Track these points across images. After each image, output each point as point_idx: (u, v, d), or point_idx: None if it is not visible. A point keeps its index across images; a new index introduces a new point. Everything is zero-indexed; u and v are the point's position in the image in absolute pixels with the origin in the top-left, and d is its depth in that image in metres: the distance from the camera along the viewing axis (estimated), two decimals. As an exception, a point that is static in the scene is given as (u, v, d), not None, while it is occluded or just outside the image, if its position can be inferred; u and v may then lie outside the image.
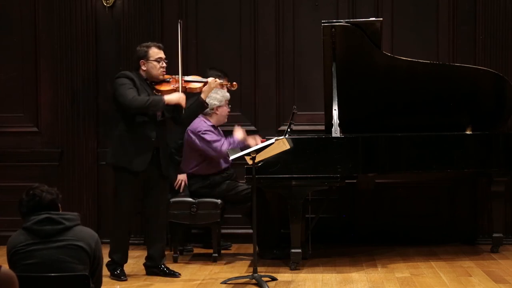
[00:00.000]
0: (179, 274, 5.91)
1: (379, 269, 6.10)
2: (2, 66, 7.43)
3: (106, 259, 5.57)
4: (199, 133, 6.42)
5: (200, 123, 6.49)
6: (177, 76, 5.88)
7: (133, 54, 5.96)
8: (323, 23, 6.24)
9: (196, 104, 5.93)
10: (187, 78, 5.93)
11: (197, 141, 6.42)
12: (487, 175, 6.70)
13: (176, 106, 5.79)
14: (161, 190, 5.91)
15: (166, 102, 5.70)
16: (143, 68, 5.82)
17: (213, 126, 6.55)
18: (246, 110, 7.38)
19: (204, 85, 5.93)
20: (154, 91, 5.84)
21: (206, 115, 6.58)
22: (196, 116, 6.20)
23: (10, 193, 7.26)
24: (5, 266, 3.00)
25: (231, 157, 6.44)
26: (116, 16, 7.31)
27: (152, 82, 5.86)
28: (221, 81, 6.11)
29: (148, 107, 5.66)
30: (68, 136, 7.30)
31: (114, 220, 5.91)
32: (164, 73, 5.88)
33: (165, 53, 5.91)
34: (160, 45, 5.94)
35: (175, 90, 5.83)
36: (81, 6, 7.25)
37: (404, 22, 7.29)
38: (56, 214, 3.47)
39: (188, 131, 6.51)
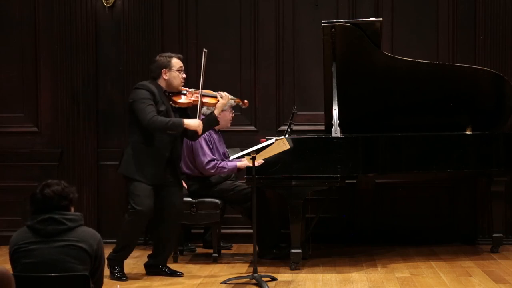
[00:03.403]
0: (182, 273, 5.91)
1: (379, 269, 6.10)
2: (2, 66, 7.42)
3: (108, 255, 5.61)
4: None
5: None
6: (193, 89, 5.89)
7: (153, 63, 5.87)
8: (323, 23, 6.24)
9: (208, 119, 5.91)
10: (203, 92, 5.88)
11: (194, 145, 6.42)
12: (487, 175, 6.71)
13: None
14: (176, 198, 5.86)
15: (185, 127, 5.68)
16: (165, 77, 5.79)
17: (213, 130, 6.54)
18: (246, 110, 7.36)
19: (216, 100, 5.93)
20: (171, 102, 5.82)
21: None
22: (206, 131, 6.12)
23: (10, 193, 7.28)
24: (5, 265, 3.01)
25: (231, 157, 6.46)
26: (116, 16, 7.31)
27: (169, 93, 5.84)
28: (234, 98, 6.14)
29: (166, 129, 5.65)
30: (68, 136, 7.30)
31: (130, 222, 5.73)
32: (183, 84, 5.89)
33: None
34: (181, 56, 5.94)
35: (192, 104, 5.84)
36: (81, 6, 7.25)
37: (404, 22, 7.29)
38: (59, 214, 3.47)
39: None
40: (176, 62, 5.83)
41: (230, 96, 6.05)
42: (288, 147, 5.65)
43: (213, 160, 6.37)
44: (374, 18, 6.68)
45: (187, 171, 6.53)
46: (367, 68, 6.50)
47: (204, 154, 6.37)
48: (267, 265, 6.19)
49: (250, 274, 5.61)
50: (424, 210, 7.29)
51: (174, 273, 5.89)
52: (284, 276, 5.85)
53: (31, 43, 7.39)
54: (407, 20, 7.30)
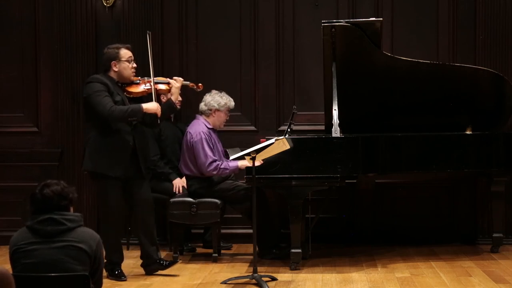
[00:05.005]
0: (179, 260, 5.96)
1: (379, 269, 6.10)
2: (2, 66, 7.43)
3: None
4: (198, 140, 6.40)
5: (200, 126, 6.49)
6: (145, 78, 5.88)
7: (102, 56, 5.90)
8: (323, 23, 6.24)
9: (167, 105, 5.90)
10: (155, 80, 5.86)
11: (195, 146, 6.41)
12: (487, 175, 6.71)
13: (150, 114, 5.74)
14: (143, 191, 5.85)
15: (144, 111, 5.67)
16: (115, 69, 5.78)
17: (212, 129, 6.55)
18: (246, 110, 7.38)
19: (169, 86, 5.92)
20: (125, 93, 5.81)
21: (206, 115, 6.58)
22: (166, 118, 6.10)
23: (10, 193, 7.28)
24: (5, 265, 3.01)
25: (231, 157, 6.46)
26: (116, 16, 7.31)
27: (122, 84, 5.83)
28: (187, 82, 6.10)
29: (126, 117, 5.63)
30: (68, 136, 7.30)
31: (106, 225, 5.81)
32: (135, 74, 5.85)
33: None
34: (129, 46, 5.93)
35: (146, 92, 5.82)
36: (81, 6, 7.25)
37: (404, 22, 7.29)
38: (59, 215, 3.47)
39: (188, 132, 6.52)
40: (125, 53, 5.81)
41: (183, 81, 6.00)
42: (288, 147, 5.65)
43: (214, 161, 6.37)
44: (374, 18, 6.68)
45: (186, 172, 6.53)
46: (367, 68, 6.50)
47: (206, 155, 6.37)
48: (267, 265, 6.19)
49: (250, 274, 5.61)
50: (424, 210, 7.29)
51: (172, 263, 5.91)
52: (284, 276, 5.85)
53: (31, 43, 7.39)
54: (407, 20, 7.30)
